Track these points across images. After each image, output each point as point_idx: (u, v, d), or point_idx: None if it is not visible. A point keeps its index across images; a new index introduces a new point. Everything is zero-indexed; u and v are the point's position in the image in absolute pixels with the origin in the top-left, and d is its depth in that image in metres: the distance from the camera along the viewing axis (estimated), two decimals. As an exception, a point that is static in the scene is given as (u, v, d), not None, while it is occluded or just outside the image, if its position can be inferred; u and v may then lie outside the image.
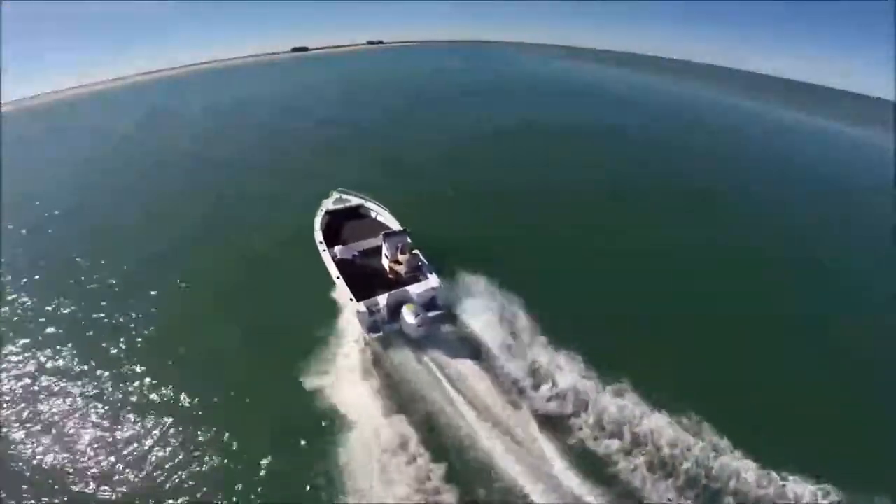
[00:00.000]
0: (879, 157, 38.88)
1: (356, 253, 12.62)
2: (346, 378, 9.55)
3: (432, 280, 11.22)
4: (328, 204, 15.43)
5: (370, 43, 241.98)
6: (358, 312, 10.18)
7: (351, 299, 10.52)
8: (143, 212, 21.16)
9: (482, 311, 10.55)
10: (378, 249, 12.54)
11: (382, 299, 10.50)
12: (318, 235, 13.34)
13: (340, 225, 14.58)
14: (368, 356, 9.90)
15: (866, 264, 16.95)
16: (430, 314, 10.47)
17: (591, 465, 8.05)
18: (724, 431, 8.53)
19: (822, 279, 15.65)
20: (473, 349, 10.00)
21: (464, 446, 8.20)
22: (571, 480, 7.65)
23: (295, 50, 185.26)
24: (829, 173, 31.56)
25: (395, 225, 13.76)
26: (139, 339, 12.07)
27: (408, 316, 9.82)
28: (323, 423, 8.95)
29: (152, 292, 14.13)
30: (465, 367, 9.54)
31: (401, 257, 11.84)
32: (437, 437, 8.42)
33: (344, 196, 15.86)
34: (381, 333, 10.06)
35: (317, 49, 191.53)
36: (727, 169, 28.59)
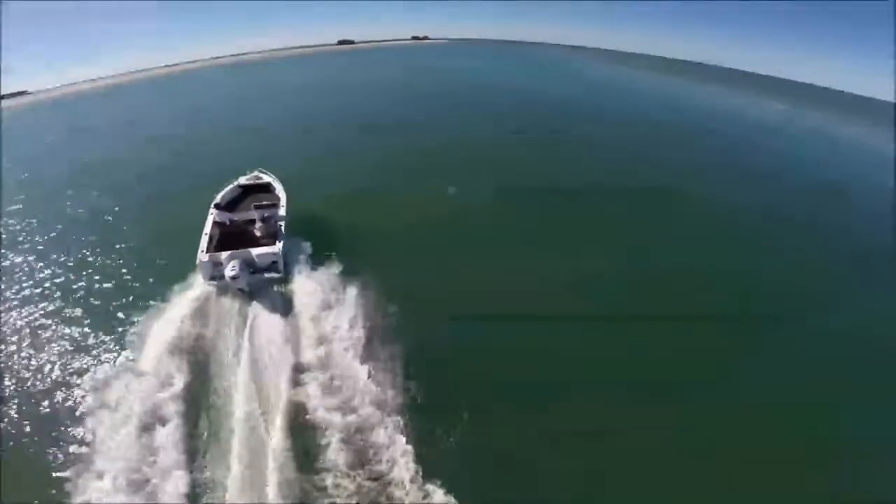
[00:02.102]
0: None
1: (234, 219, 14.35)
2: (168, 311, 11.47)
3: (276, 247, 12.69)
4: (242, 179, 17.36)
5: (415, 38, 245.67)
6: (200, 262, 11.95)
7: (200, 251, 12.30)
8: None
9: (312, 287, 11.90)
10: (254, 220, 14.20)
11: (226, 255, 12.10)
12: (215, 199, 15.21)
13: (244, 197, 16.45)
14: (202, 299, 11.66)
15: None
16: (263, 274, 12.06)
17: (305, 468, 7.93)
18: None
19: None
20: (288, 313, 11.40)
21: (218, 400, 9.12)
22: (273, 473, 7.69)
23: (341, 42, 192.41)
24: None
25: (281, 202, 15.35)
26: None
27: (227, 269, 11.37)
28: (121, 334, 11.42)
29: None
30: (270, 324, 10.96)
31: (259, 224, 13.57)
32: (203, 382, 9.56)
33: (259, 174, 17.71)
34: (215, 282, 11.69)
35: (362, 42, 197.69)
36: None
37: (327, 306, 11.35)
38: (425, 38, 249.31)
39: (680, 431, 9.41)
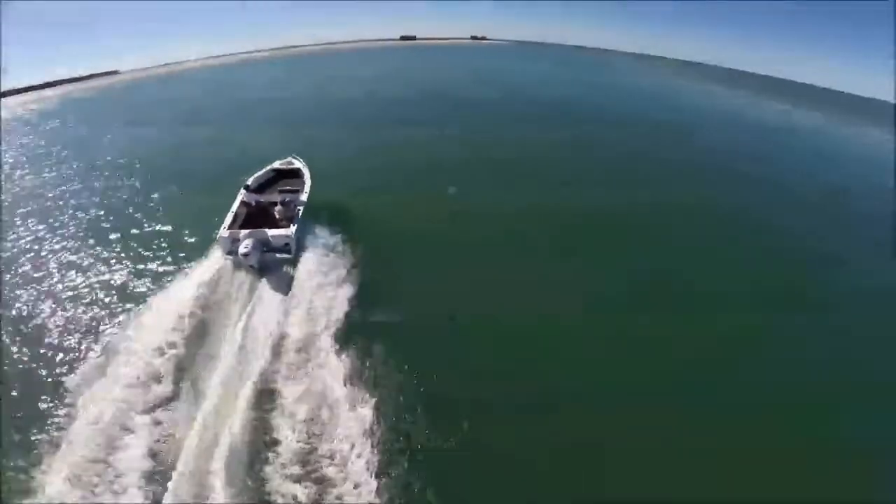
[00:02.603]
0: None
1: (260, 200, 14.98)
2: (187, 278, 12.28)
3: (290, 230, 13.12)
4: (276, 163, 18.13)
5: (473, 38, 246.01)
6: (220, 237, 12.64)
7: (223, 227, 13.00)
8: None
9: (317, 271, 12.18)
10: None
11: (244, 233, 12.70)
12: (248, 181, 15.96)
13: (275, 181, 17.17)
14: (217, 270, 12.32)
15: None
16: (275, 254, 12.55)
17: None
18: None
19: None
20: (289, 292, 11.62)
21: (204, 366, 9.27)
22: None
23: (403, 38, 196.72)
24: None
25: (305, 188, 15.79)
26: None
27: (242, 246, 11.90)
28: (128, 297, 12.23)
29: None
30: (272, 301, 11.22)
31: (280, 208, 14.09)
32: (198, 346, 9.80)
33: (292, 160, 18.40)
34: (231, 257, 12.32)
35: (423, 39, 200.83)
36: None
37: (328, 291, 11.55)
38: (483, 38, 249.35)
39: (693, 436, 8.73)
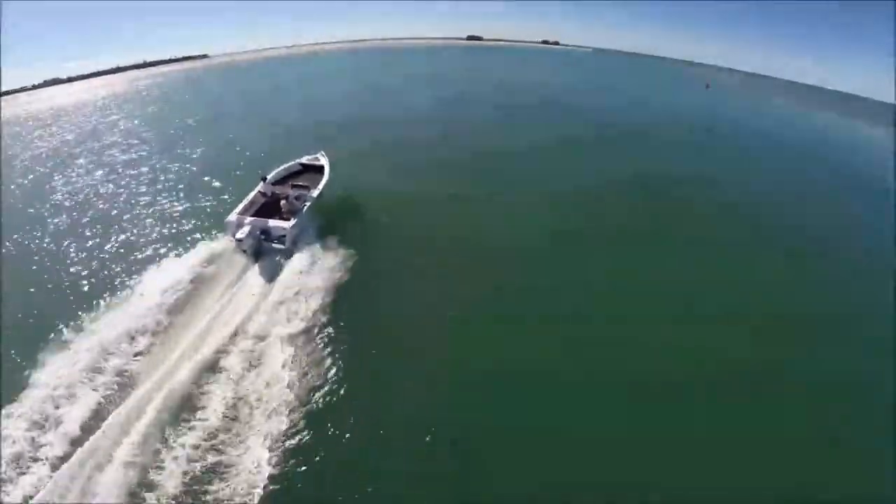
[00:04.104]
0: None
1: (276, 191, 15.48)
2: (192, 252, 12.95)
3: (288, 224, 13.40)
4: (304, 158, 18.67)
5: (545, 42, 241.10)
6: (227, 221, 13.26)
7: (234, 212, 13.61)
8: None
9: (306, 268, 12.31)
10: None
11: (248, 219, 13.19)
12: (266, 174, 16.59)
13: (299, 174, 17.70)
14: (220, 250, 12.91)
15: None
16: (271, 244, 12.91)
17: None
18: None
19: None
20: (272, 282, 11.69)
21: (175, 338, 9.47)
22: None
23: (469, 38, 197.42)
24: None
25: (319, 185, 16.05)
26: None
27: (239, 231, 12.36)
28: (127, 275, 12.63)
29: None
30: (253, 288, 11.44)
31: (288, 201, 14.48)
32: (178, 318, 9.99)
33: (319, 156, 18.82)
34: (234, 239, 12.90)
35: (490, 40, 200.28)
36: None
37: (307, 287, 11.61)
38: (556, 42, 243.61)
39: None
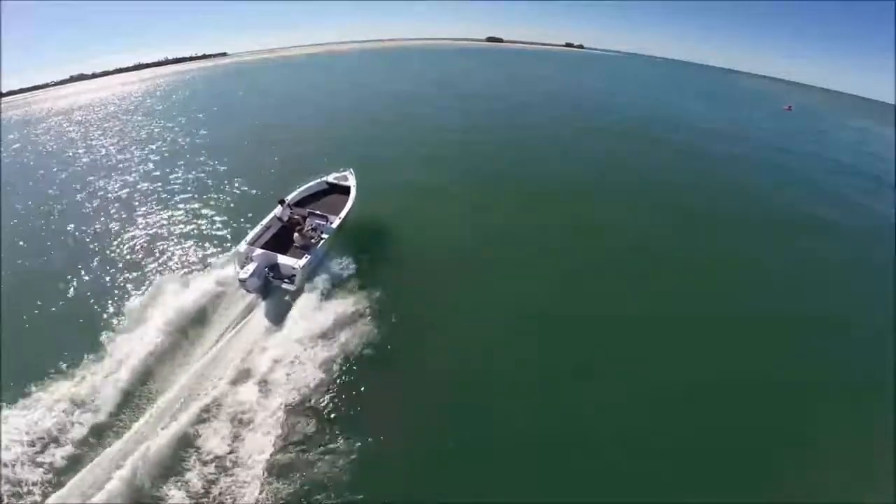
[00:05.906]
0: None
1: (294, 216, 13.61)
2: (203, 275, 11.92)
3: (300, 262, 11.61)
4: (331, 176, 16.66)
5: (568, 45, 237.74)
6: (237, 251, 11.52)
7: (244, 240, 11.86)
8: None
9: (313, 314, 10.64)
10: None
11: (258, 252, 11.39)
12: (289, 195, 14.78)
13: (323, 195, 15.78)
14: (227, 278, 11.37)
15: None
16: (280, 282, 11.02)
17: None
18: None
19: None
20: (278, 326, 10.28)
21: (174, 369, 9.00)
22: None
23: (489, 39, 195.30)
24: None
25: (340, 214, 14.18)
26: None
27: (242, 271, 10.51)
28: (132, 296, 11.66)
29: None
30: (257, 329, 10.31)
31: (304, 231, 12.58)
32: (176, 350, 9.41)
33: (349, 174, 16.76)
34: (238, 279, 11.16)
35: (510, 42, 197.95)
36: None
37: (313, 339, 9.95)
38: (580, 46, 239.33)
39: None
